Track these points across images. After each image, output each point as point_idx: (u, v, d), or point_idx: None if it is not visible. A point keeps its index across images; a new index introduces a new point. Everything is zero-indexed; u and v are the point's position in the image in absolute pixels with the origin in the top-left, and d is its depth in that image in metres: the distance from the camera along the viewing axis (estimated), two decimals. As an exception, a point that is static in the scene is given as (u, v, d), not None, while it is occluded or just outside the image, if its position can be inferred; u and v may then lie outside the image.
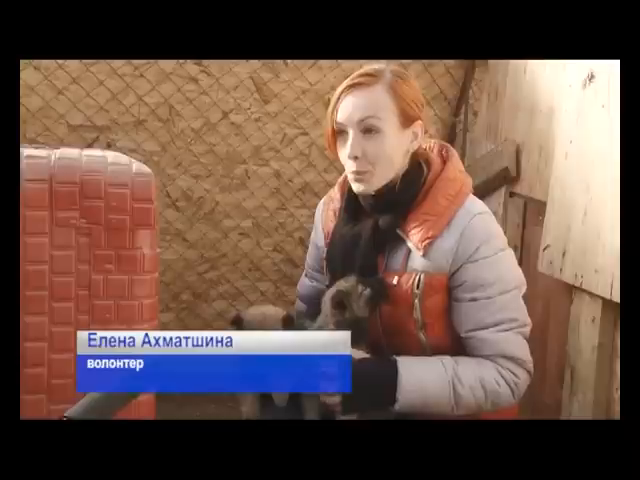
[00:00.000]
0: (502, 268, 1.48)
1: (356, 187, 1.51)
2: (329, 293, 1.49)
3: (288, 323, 1.46)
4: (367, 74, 1.47)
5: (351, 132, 1.46)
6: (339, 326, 1.44)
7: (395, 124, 1.47)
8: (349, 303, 1.45)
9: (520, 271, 1.54)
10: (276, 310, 1.51)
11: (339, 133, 1.49)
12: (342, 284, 1.48)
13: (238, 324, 1.45)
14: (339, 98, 1.48)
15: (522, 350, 1.49)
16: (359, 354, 1.44)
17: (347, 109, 1.47)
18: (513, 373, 1.47)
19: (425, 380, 1.42)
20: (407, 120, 1.48)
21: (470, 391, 1.44)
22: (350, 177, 1.51)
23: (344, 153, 1.49)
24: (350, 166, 1.49)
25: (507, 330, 1.46)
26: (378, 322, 1.50)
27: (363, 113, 1.45)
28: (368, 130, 1.46)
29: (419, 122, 1.50)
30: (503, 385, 1.46)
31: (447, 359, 1.46)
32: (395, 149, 1.48)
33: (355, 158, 1.46)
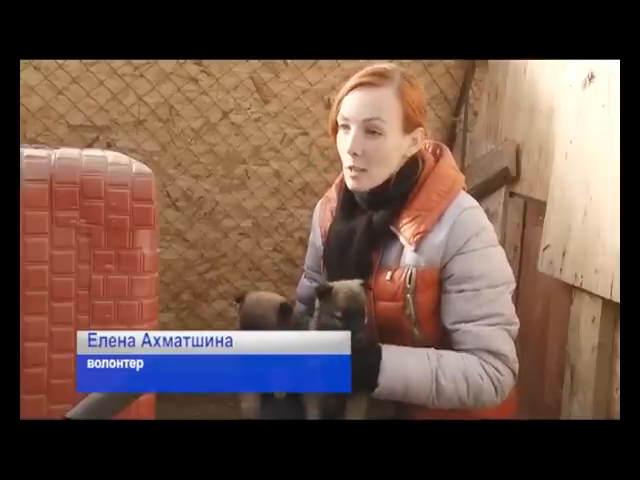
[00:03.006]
0: (491, 262, 1.48)
1: (350, 184, 1.53)
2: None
3: (285, 311, 1.46)
4: (379, 73, 1.48)
5: (354, 128, 1.48)
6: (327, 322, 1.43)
7: (398, 128, 1.48)
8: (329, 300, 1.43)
9: (510, 270, 1.54)
10: (274, 297, 1.51)
11: (342, 126, 1.51)
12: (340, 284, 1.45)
13: (240, 302, 1.50)
14: (348, 92, 1.50)
15: (507, 347, 1.48)
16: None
17: (354, 105, 1.48)
18: (496, 369, 1.46)
19: (408, 369, 1.42)
20: (409, 126, 1.50)
21: (453, 384, 1.43)
22: (346, 173, 1.53)
23: (344, 146, 1.50)
24: (347, 161, 1.50)
25: (492, 325, 1.46)
26: (373, 319, 1.49)
27: (370, 113, 1.47)
28: (371, 131, 1.47)
29: (420, 129, 1.51)
30: (486, 380, 1.45)
31: (432, 351, 1.45)
32: (393, 153, 1.50)
33: (354, 154, 1.48)
